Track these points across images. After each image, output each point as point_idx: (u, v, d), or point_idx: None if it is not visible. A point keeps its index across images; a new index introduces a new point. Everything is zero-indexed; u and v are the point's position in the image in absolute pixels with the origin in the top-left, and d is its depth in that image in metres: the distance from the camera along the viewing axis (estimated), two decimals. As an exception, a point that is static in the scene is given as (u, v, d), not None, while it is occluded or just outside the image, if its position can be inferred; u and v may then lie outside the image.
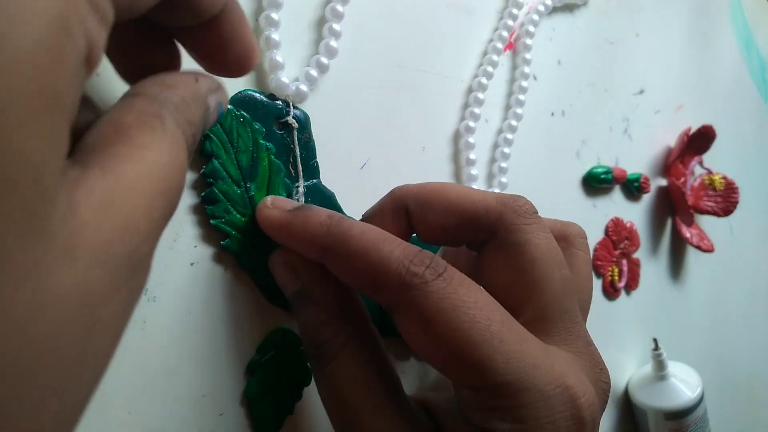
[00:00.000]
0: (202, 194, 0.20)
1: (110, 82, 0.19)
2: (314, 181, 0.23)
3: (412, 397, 0.20)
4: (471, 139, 0.29)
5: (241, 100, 0.21)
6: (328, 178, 0.24)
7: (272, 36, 0.22)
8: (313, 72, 0.23)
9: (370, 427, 0.17)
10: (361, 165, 0.26)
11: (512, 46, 0.33)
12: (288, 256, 0.19)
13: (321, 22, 0.24)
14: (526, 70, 0.33)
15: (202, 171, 0.20)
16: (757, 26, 0.61)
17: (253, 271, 0.21)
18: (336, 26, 0.24)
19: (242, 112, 0.21)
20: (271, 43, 0.22)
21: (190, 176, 0.20)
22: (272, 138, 0.22)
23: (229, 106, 0.21)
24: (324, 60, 0.23)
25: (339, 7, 0.24)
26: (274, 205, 0.20)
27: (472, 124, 0.30)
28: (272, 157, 0.21)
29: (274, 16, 0.22)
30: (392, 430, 0.17)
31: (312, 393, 0.23)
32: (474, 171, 0.29)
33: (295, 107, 0.22)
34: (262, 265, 0.21)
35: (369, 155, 0.26)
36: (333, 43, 0.23)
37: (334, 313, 0.19)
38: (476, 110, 0.30)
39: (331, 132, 0.24)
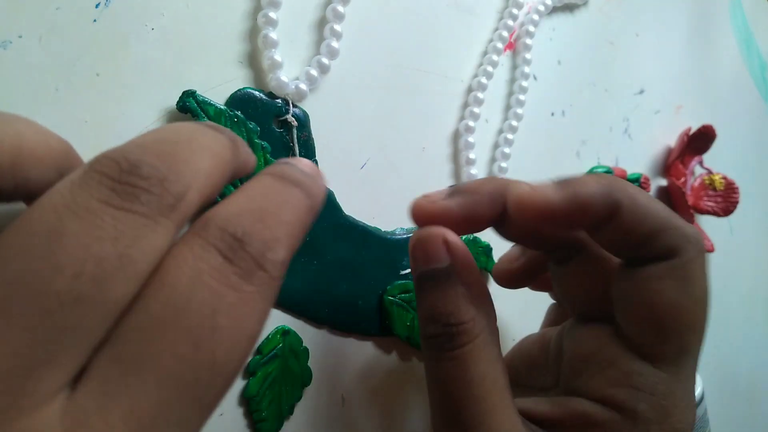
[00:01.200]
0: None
1: (111, 82, 0.19)
2: (314, 180, 0.23)
3: None
4: (471, 139, 0.29)
5: (239, 99, 0.21)
6: (328, 177, 0.24)
7: (270, 35, 0.22)
8: (314, 72, 0.23)
9: (497, 421, 0.17)
10: (361, 165, 0.26)
11: (512, 46, 0.33)
12: (443, 231, 0.19)
13: (322, 22, 0.24)
14: (526, 69, 0.33)
15: None
16: (757, 26, 0.61)
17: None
18: (337, 27, 0.24)
19: (236, 112, 0.21)
20: (268, 42, 0.22)
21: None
22: (270, 136, 0.22)
23: (222, 107, 0.21)
24: (325, 60, 0.23)
25: (340, 8, 0.24)
26: (431, 199, 0.19)
27: (472, 123, 0.29)
28: (268, 156, 0.21)
29: (272, 15, 0.22)
30: (515, 427, 0.17)
31: (312, 393, 0.23)
32: (474, 171, 0.29)
33: (294, 106, 0.22)
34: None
35: (369, 155, 0.26)
36: (334, 43, 0.23)
37: (478, 295, 0.18)
38: (476, 110, 0.30)
39: (331, 132, 0.24)
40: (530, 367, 0.24)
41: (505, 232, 0.20)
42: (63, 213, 0.10)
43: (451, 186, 0.20)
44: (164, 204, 0.11)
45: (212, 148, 0.13)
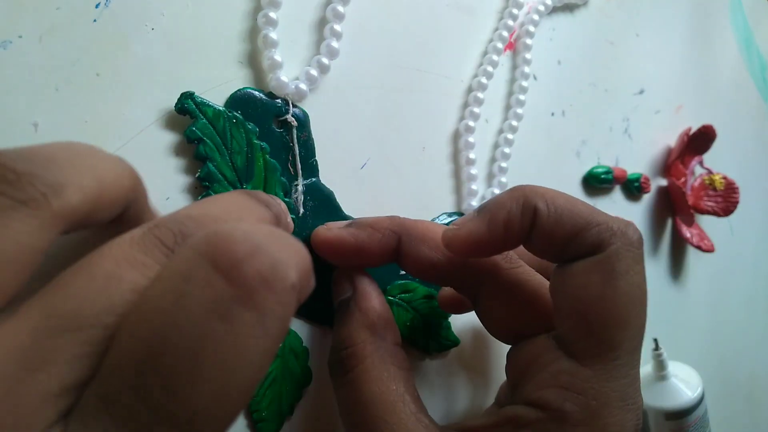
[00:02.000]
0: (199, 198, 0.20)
1: (111, 81, 0.19)
2: (313, 179, 0.23)
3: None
4: (471, 139, 0.29)
5: (240, 98, 0.21)
6: (328, 178, 0.24)
7: (270, 35, 0.22)
8: (314, 72, 0.23)
9: None
10: (361, 165, 0.26)
11: (512, 46, 0.33)
12: (352, 268, 0.21)
13: (322, 22, 0.24)
14: (527, 69, 0.33)
15: (197, 175, 0.20)
16: (757, 26, 0.61)
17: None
18: (337, 27, 0.24)
19: (234, 113, 0.21)
20: (268, 41, 0.22)
21: (185, 180, 0.20)
22: (270, 136, 0.22)
23: (221, 108, 0.21)
24: (325, 60, 0.23)
25: (340, 8, 0.24)
26: (328, 227, 0.21)
27: (472, 123, 0.29)
28: (267, 156, 0.21)
29: (272, 15, 0.22)
30: None
31: (312, 393, 0.23)
32: (474, 170, 0.29)
33: (294, 106, 0.22)
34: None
35: (369, 155, 0.26)
36: (334, 43, 0.23)
37: (370, 322, 0.20)
38: (476, 110, 0.30)
39: (331, 132, 0.24)
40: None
41: (405, 269, 0.21)
42: (122, 263, 0.12)
43: (351, 220, 0.22)
44: None
45: None
